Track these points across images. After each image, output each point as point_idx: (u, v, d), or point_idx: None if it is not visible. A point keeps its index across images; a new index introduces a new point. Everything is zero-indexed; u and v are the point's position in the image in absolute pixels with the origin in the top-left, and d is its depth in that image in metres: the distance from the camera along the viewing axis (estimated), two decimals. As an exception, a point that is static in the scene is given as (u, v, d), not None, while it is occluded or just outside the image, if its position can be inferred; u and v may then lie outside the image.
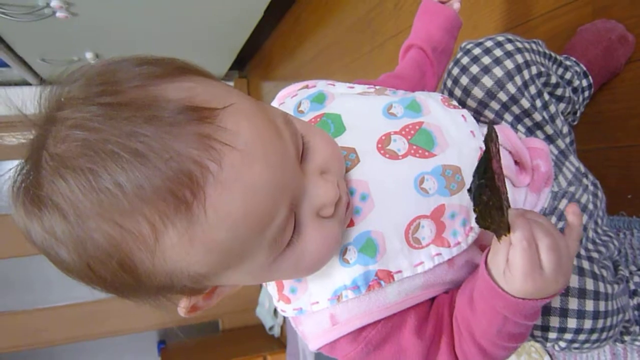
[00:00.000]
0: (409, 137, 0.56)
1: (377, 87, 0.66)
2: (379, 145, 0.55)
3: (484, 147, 0.58)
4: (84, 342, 3.20)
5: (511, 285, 0.46)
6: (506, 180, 0.62)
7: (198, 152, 0.37)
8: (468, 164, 0.56)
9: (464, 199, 0.54)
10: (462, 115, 0.60)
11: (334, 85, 0.66)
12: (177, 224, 0.37)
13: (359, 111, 0.60)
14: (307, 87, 0.65)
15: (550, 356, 0.97)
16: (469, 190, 0.46)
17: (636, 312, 0.66)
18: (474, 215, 0.45)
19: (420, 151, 0.55)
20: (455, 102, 0.63)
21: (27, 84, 2.57)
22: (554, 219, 0.64)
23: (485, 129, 0.46)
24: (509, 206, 0.48)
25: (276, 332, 3.12)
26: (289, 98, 0.64)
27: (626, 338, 0.67)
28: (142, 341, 3.33)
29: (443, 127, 0.58)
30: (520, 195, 0.64)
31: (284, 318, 2.91)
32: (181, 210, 0.37)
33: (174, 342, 3.34)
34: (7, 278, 3.03)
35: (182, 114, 0.37)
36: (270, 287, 0.57)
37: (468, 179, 0.55)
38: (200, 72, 0.45)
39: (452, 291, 0.56)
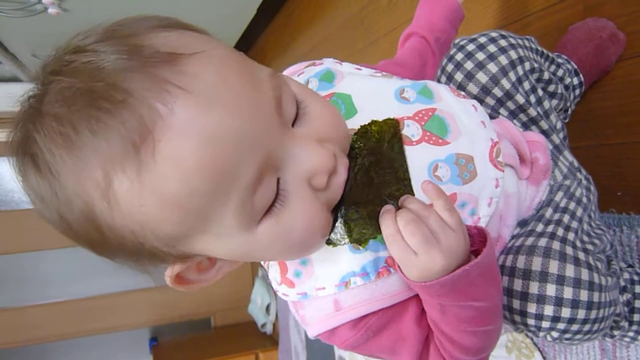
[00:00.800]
0: (423, 123, 0.55)
1: (384, 72, 0.65)
2: None
3: (494, 139, 0.58)
4: (77, 339, 3.20)
5: (407, 274, 0.48)
6: (512, 171, 0.62)
7: (150, 94, 0.36)
8: (479, 153, 0.56)
9: (474, 189, 0.54)
10: (473, 105, 0.60)
11: (341, 64, 0.64)
12: (126, 169, 0.36)
13: (371, 93, 0.58)
14: (314, 64, 0.64)
15: (541, 352, 0.98)
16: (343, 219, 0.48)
17: (625, 308, 0.67)
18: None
19: (433, 138, 0.55)
20: (464, 93, 0.63)
21: (19, 80, 2.55)
22: (550, 211, 0.64)
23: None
24: (396, 203, 0.49)
25: (268, 329, 3.12)
26: (295, 76, 0.63)
27: (616, 333, 0.68)
28: (134, 338, 3.32)
29: (455, 115, 0.57)
30: (522, 188, 0.64)
31: (276, 315, 2.91)
32: (130, 154, 0.36)
33: (166, 339, 3.33)
34: (1, 275, 3.02)
35: (152, 58, 0.38)
36: (273, 270, 0.56)
37: (480, 168, 0.55)
38: (195, 29, 0.45)
39: None
